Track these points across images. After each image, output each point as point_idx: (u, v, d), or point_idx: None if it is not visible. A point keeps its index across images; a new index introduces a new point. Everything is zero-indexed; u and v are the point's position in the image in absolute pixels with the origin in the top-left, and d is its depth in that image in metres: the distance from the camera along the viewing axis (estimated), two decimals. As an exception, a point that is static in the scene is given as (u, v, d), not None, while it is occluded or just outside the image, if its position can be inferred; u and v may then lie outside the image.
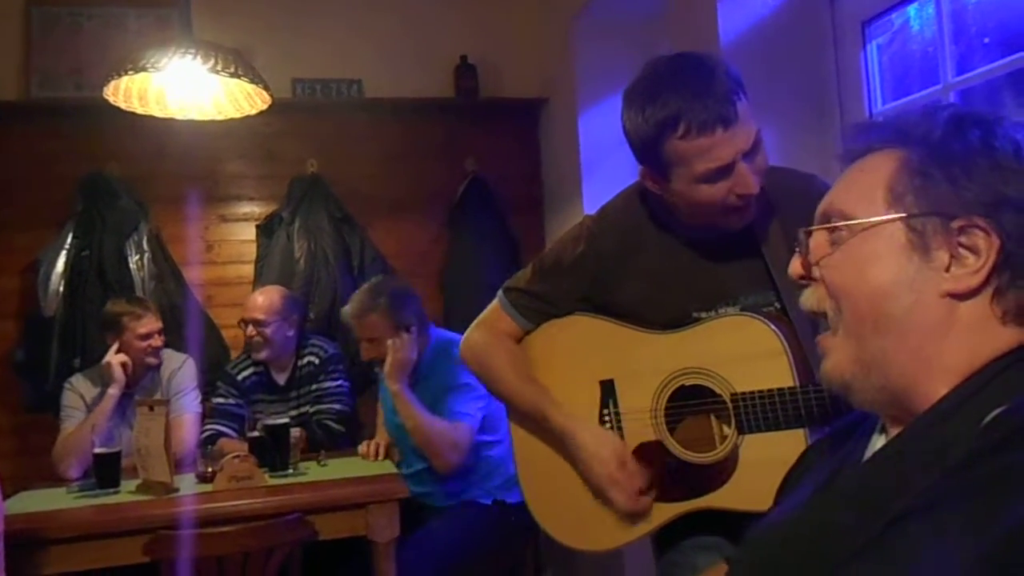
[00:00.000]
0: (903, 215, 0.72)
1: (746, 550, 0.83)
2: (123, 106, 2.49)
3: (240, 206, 3.46)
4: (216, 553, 2.02)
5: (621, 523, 1.38)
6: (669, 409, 1.35)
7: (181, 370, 2.84)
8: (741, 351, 1.26)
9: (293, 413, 2.86)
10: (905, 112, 0.78)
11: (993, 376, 0.68)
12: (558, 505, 1.48)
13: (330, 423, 2.82)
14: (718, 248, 1.36)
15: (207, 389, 3.07)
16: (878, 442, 0.79)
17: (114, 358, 2.64)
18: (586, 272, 1.43)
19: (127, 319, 2.69)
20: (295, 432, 2.54)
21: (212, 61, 2.29)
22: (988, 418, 0.63)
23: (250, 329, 2.85)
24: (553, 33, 3.39)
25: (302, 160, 3.43)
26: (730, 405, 1.27)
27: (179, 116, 2.61)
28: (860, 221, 0.74)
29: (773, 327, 1.24)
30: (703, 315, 1.35)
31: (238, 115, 2.64)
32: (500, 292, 1.53)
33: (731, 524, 1.30)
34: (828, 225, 0.78)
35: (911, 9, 1.96)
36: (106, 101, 2.43)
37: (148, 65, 2.28)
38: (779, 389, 1.22)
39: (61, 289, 3.10)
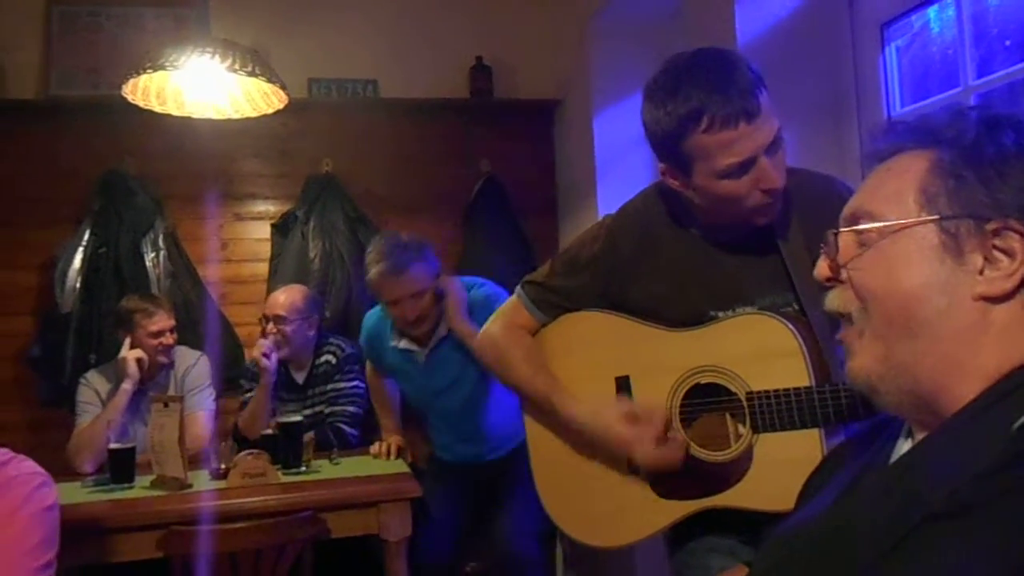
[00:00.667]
0: (936, 217, 0.71)
1: (768, 552, 0.82)
2: (141, 104, 2.51)
3: (255, 205, 3.48)
4: (229, 549, 2.02)
5: (633, 520, 1.38)
6: (684, 407, 1.34)
7: (195, 367, 2.86)
8: (757, 350, 1.26)
9: (308, 412, 2.87)
10: (933, 112, 0.77)
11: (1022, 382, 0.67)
12: (571, 500, 1.48)
13: (343, 426, 2.82)
14: (736, 248, 1.35)
15: (222, 386, 3.09)
16: (904, 446, 0.78)
17: (129, 353, 2.66)
18: (604, 269, 1.43)
19: (139, 316, 2.70)
20: (306, 436, 2.54)
21: (230, 60, 2.31)
22: (1019, 422, 0.62)
23: (270, 326, 2.85)
24: (568, 34, 3.39)
25: (317, 159, 3.45)
26: (745, 404, 1.26)
27: (196, 115, 2.63)
28: (891, 223, 0.73)
29: (790, 326, 1.24)
30: (720, 314, 1.34)
31: (255, 114, 2.65)
32: (519, 286, 1.54)
33: (745, 526, 1.29)
34: (857, 227, 0.76)
35: (931, 11, 1.95)
36: (124, 99, 2.45)
37: (167, 63, 2.30)
38: (795, 389, 1.22)
39: (78, 286, 3.13)
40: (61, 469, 2.61)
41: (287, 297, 2.90)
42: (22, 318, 3.22)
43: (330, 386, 2.92)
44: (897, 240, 0.73)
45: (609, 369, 1.41)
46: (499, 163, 3.59)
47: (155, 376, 2.79)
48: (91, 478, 2.45)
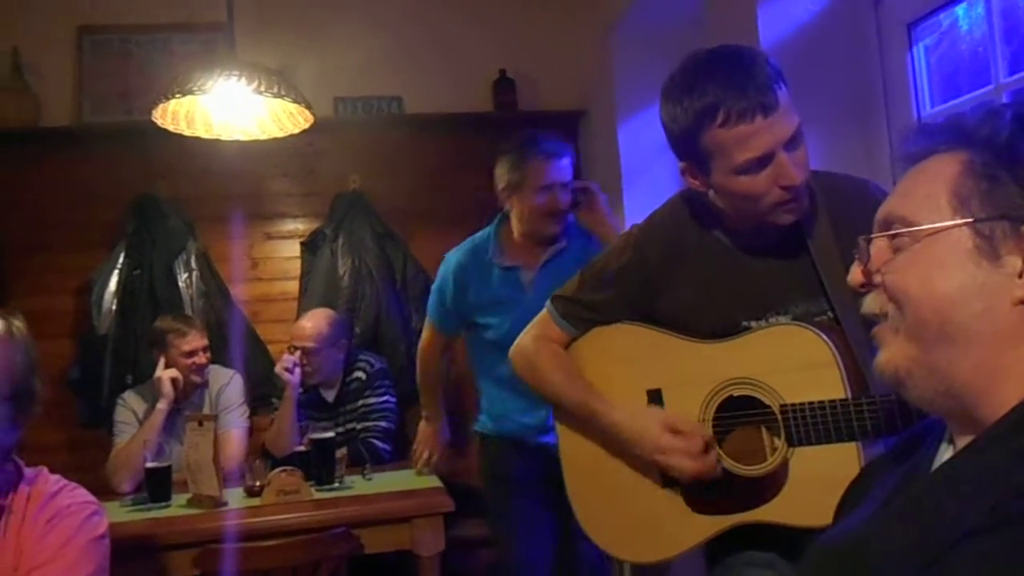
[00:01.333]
0: (970, 220, 0.70)
1: (807, 565, 0.81)
2: (171, 128, 2.55)
3: (284, 223, 3.52)
4: (264, 567, 2.04)
5: (668, 534, 1.36)
6: (717, 420, 1.32)
7: (229, 386, 2.89)
8: (791, 362, 1.23)
9: (340, 430, 2.88)
10: (965, 112, 0.75)
11: None
12: (606, 515, 1.46)
13: (375, 441, 2.83)
14: (768, 255, 1.33)
15: (255, 404, 3.12)
16: (946, 453, 0.76)
17: (164, 373, 2.70)
18: (632, 280, 1.42)
19: (172, 336, 2.74)
20: (338, 452, 2.55)
21: (256, 82, 2.34)
22: None
23: (299, 356, 2.86)
24: (590, 44, 3.39)
25: (344, 177, 3.48)
26: (779, 417, 1.24)
27: (224, 137, 2.66)
28: (924, 227, 0.72)
29: (824, 337, 1.21)
30: (752, 324, 1.32)
31: (282, 134, 2.68)
32: (548, 301, 1.53)
33: (785, 540, 1.27)
34: (890, 232, 0.75)
35: (959, 9, 1.91)
36: (154, 124, 2.49)
37: (195, 88, 2.33)
38: (830, 401, 1.19)
39: (113, 308, 3.19)
40: (100, 488, 2.65)
41: (313, 326, 2.89)
42: (61, 341, 3.27)
43: (360, 402, 2.93)
44: (931, 244, 0.71)
45: (641, 382, 1.40)
46: (525, 175, 3.58)
47: (190, 395, 2.82)
48: (129, 497, 2.48)
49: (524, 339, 1.55)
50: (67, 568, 1.34)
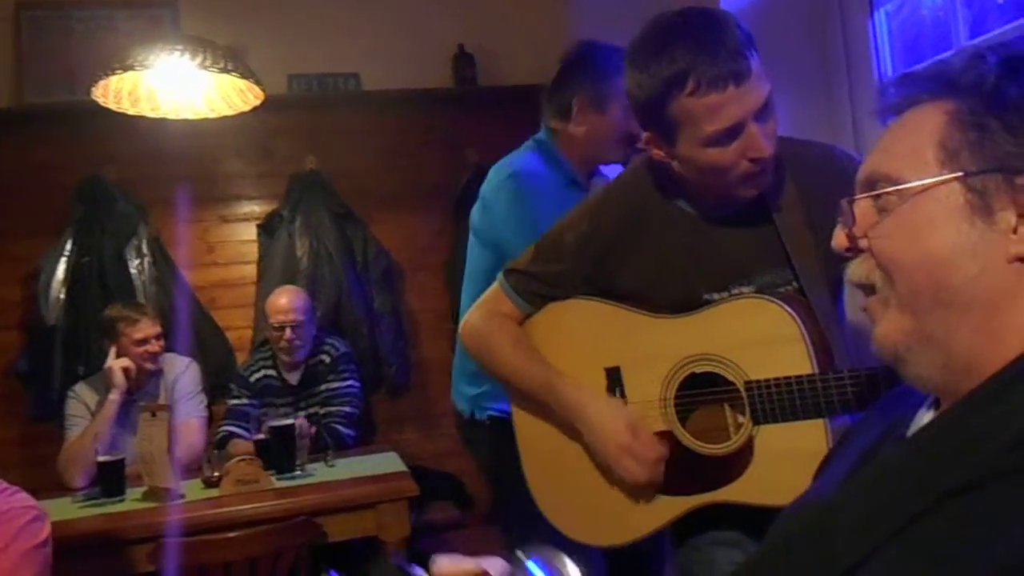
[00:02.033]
0: (959, 174, 0.64)
1: (775, 531, 0.77)
2: (114, 107, 2.45)
3: (240, 206, 3.43)
4: (222, 559, 1.99)
5: (631, 518, 1.32)
6: (679, 398, 1.28)
7: (185, 374, 2.81)
8: (755, 336, 1.19)
9: (302, 414, 2.82)
10: (948, 59, 0.70)
11: None
12: (568, 498, 1.41)
13: (339, 427, 2.78)
14: (730, 223, 1.27)
15: (214, 392, 3.05)
16: (925, 417, 0.72)
17: (115, 363, 2.61)
18: (589, 252, 1.35)
19: (122, 324, 2.65)
20: (303, 424, 2.49)
21: (201, 57, 2.25)
22: None
23: (288, 332, 2.80)
24: (550, 17, 3.32)
25: (301, 157, 3.38)
26: (744, 394, 1.20)
27: (172, 116, 2.57)
28: (911, 185, 0.67)
29: (789, 310, 1.17)
30: (715, 296, 1.28)
31: (232, 112, 2.59)
32: (500, 274, 1.45)
33: (751, 518, 1.24)
34: (874, 192, 0.70)
35: (920, -27, 1.88)
36: (100, 104, 2.39)
37: (136, 64, 2.24)
38: (796, 377, 1.15)
39: (62, 296, 3.09)
40: (52, 484, 2.58)
41: (293, 299, 2.85)
42: (7, 332, 3.17)
43: (324, 386, 2.88)
44: (919, 203, 0.66)
45: (599, 360, 1.34)
46: (487, 152, 3.49)
47: (144, 385, 2.74)
48: (82, 492, 2.41)
49: (474, 316, 1.46)
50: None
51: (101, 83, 2.31)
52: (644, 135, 1.23)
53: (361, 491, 2.24)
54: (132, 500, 2.29)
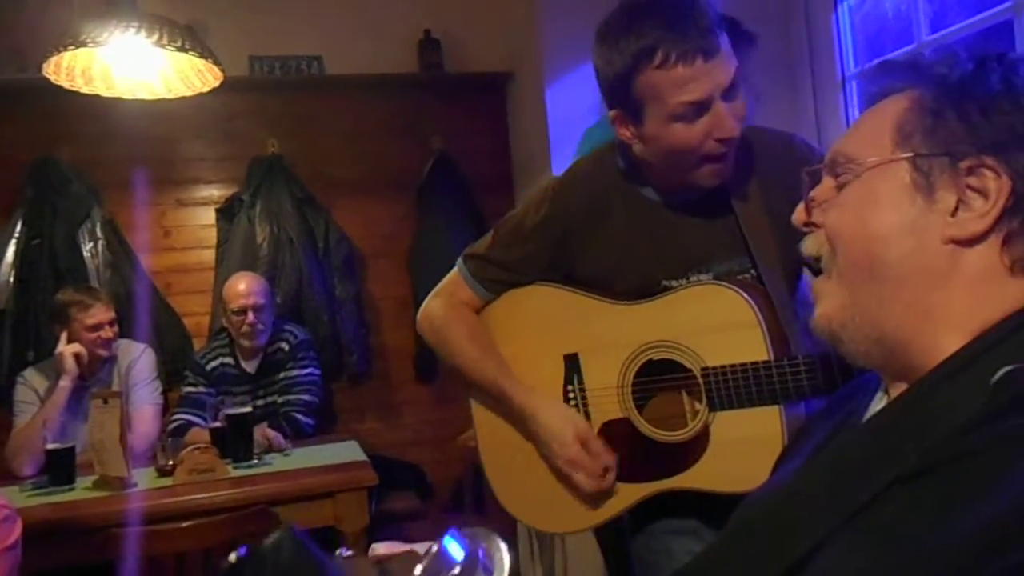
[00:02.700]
0: (909, 155, 0.67)
1: (733, 521, 0.77)
2: (66, 85, 2.37)
3: (198, 189, 3.35)
4: (175, 549, 1.95)
5: (588, 505, 1.32)
6: (637, 385, 1.28)
7: (139, 361, 2.75)
8: (712, 322, 1.19)
9: (260, 403, 2.78)
10: (925, 52, 0.74)
11: (1008, 333, 0.62)
12: (522, 485, 1.41)
13: (298, 415, 2.74)
14: (691, 211, 1.28)
15: (170, 379, 2.99)
16: (879, 404, 0.74)
17: (66, 348, 2.54)
18: (550, 237, 1.34)
19: (74, 309, 2.58)
20: (257, 436, 2.45)
21: (157, 35, 2.18)
22: (997, 377, 0.57)
23: (250, 316, 2.75)
24: (518, 4, 3.29)
25: (261, 140, 3.32)
26: (700, 380, 1.20)
27: (126, 95, 2.49)
28: (863, 162, 0.70)
29: (746, 296, 1.17)
30: (673, 283, 1.28)
31: (189, 93, 2.53)
32: (459, 259, 1.44)
33: (708, 506, 1.24)
34: (834, 169, 0.73)
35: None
36: (52, 82, 2.31)
37: (89, 40, 2.16)
38: (752, 363, 1.16)
39: (11, 280, 3.00)
40: (0, 472, 2.51)
41: (252, 283, 2.81)
42: (-46, 316, 3.06)
43: (283, 374, 2.83)
44: (869, 180, 0.69)
45: (557, 347, 1.33)
46: (451, 139, 3.49)
47: (97, 371, 2.67)
48: (30, 481, 2.35)
49: (433, 302, 1.45)
50: None
51: (53, 59, 2.24)
52: (611, 114, 1.23)
53: (319, 480, 2.20)
54: (83, 489, 2.23)
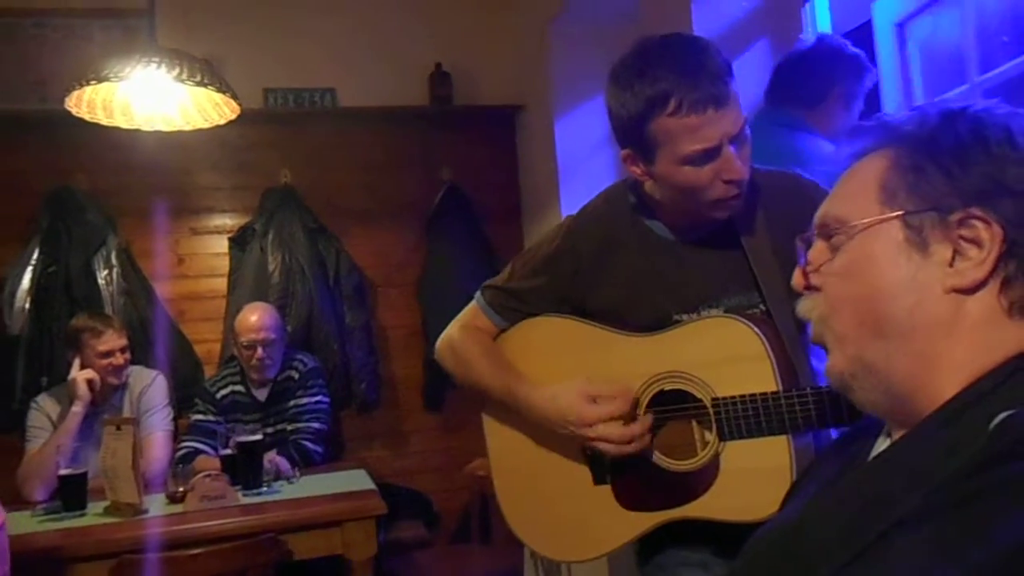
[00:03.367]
0: (899, 213, 0.70)
1: (742, 558, 0.79)
2: (87, 117, 2.43)
3: (212, 218, 3.40)
4: (185, 576, 1.95)
5: (597, 532, 1.33)
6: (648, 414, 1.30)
7: (151, 387, 2.77)
8: (722, 354, 1.22)
9: (270, 430, 2.80)
10: (894, 114, 0.76)
11: (1006, 377, 0.64)
12: (533, 511, 1.42)
13: (307, 443, 2.75)
14: (701, 246, 1.31)
15: (181, 405, 3.01)
16: (882, 445, 0.76)
17: (79, 374, 2.56)
18: (564, 271, 1.39)
19: (87, 336, 2.61)
20: (266, 464, 2.46)
21: (177, 70, 2.24)
22: (995, 422, 0.59)
23: (259, 351, 2.77)
24: (528, 39, 3.36)
25: (275, 171, 3.38)
26: (711, 410, 1.23)
27: (145, 127, 2.55)
28: (856, 224, 0.72)
29: (756, 330, 1.20)
30: (684, 317, 1.31)
31: (206, 125, 2.58)
32: (478, 291, 1.49)
33: (717, 538, 1.25)
34: (826, 233, 0.75)
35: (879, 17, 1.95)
36: (73, 114, 2.37)
37: (111, 75, 2.22)
38: (761, 394, 1.18)
39: (27, 306, 3.03)
40: (12, 497, 2.52)
41: (264, 316, 2.82)
42: (-31, 342, 3.09)
43: (292, 402, 2.85)
44: (863, 240, 0.71)
45: (570, 376, 1.35)
46: (461, 170, 3.55)
47: (109, 398, 2.69)
48: (42, 507, 2.36)
49: (451, 330, 1.50)
50: None
51: (75, 93, 2.30)
52: (623, 152, 1.27)
53: (328, 508, 2.21)
54: (94, 515, 2.24)
